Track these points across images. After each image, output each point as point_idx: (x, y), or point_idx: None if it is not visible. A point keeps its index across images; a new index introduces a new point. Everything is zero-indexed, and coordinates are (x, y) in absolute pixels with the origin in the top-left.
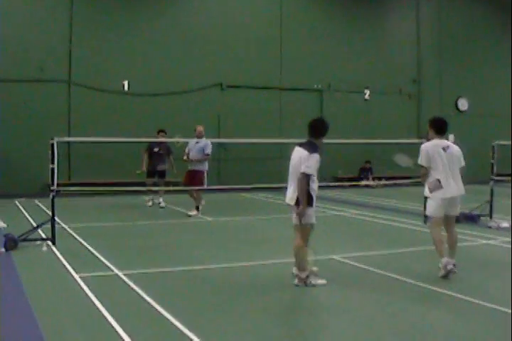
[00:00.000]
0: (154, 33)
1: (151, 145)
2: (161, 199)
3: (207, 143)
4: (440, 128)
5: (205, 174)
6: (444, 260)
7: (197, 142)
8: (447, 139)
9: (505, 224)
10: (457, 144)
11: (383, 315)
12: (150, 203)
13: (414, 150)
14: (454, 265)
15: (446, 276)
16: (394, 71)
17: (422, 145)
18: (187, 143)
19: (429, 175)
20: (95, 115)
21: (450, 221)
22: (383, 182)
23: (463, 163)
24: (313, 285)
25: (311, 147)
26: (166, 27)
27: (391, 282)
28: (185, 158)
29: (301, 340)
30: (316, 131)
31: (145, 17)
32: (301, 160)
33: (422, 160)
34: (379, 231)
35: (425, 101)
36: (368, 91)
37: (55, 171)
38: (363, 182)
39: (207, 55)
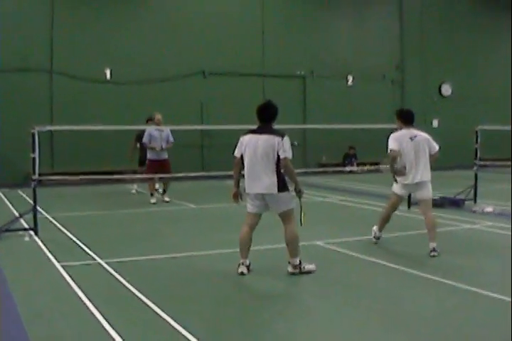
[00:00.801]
0: (136, 21)
1: (141, 134)
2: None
3: (168, 132)
4: (407, 119)
5: None
6: (375, 228)
7: (160, 130)
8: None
9: (490, 209)
10: (441, 129)
11: (367, 301)
12: (134, 191)
13: None
14: (434, 248)
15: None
16: (377, 57)
17: (391, 135)
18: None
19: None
20: (78, 104)
21: (423, 204)
22: (367, 167)
23: (436, 148)
24: (308, 271)
25: (277, 132)
26: (147, 15)
27: (375, 267)
28: (156, 146)
29: (286, 326)
30: (271, 116)
31: (127, 5)
32: (276, 146)
33: (392, 145)
34: (363, 217)
35: (408, 86)
36: (351, 78)
37: (37, 161)
38: (347, 168)
39: (189, 43)
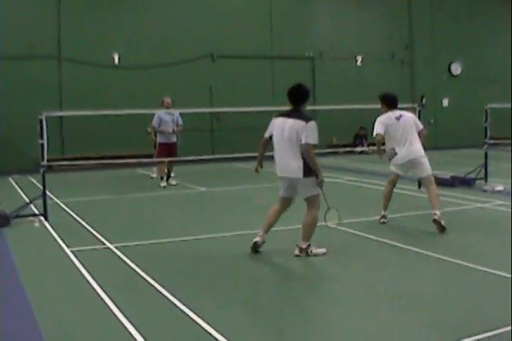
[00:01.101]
0: (143, 4)
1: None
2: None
3: (178, 115)
4: (390, 102)
5: None
6: (382, 212)
7: (169, 114)
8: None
9: (500, 188)
10: (451, 108)
11: (378, 281)
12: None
13: None
14: (435, 213)
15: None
16: (386, 37)
17: (378, 118)
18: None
19: (384, 144)
20: (86, 89)
21: (424, 182)
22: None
23: (420, 127)
24: (315, 255)
25: (303, 117)
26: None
27: (385, 248)
28: (166, 129)
29: (294, 309)
30: (301, 98)
31: None
32: (299, 131)
33: (377, 129)
34: (373, 197)
35: (418, 66)
36: (360, 58)
37: (45, 147)
38: (358, 149)
39: (197, 26)
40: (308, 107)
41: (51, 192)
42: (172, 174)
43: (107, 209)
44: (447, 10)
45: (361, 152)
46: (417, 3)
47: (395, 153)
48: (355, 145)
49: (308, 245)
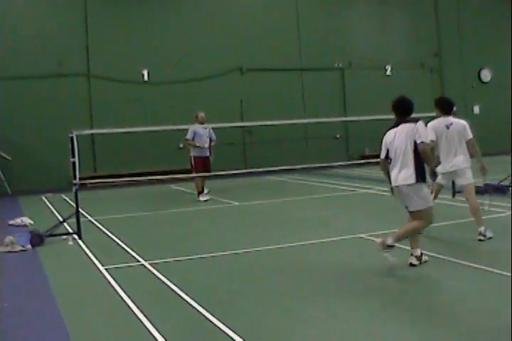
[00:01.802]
0: (170, 20)
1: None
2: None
3: (211, 130)
4: (444, 107)
5: None
6: None
7: (204, 128)
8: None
9: None
10: (482, 116)
11: (414, 294)
12: (206, 191)
13: None
14: (480, 232)
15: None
16: (414, 45)
17: (429, 124)
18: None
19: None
20: (116, 106)
21: (464, 191)
22: None
23: (469, 136)
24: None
25: (410, 120)
26: (181, 13)
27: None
28: (198, 144)
29: (330, 323)
30: (406, 110)
31: (160, 4)
32: (411, 133)
33: (431, 135)
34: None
35: (447, 74)
36: (389, 67)
37: (77, 165)
38: None
39: (225, 39)
40: (340, 118)
41: (84, 210)
42: (206, 190)
43: (140, 225)
44: (475, 16)
45: None
46: (444, 10)
47: (439, 162)
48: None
49: (421, 253)
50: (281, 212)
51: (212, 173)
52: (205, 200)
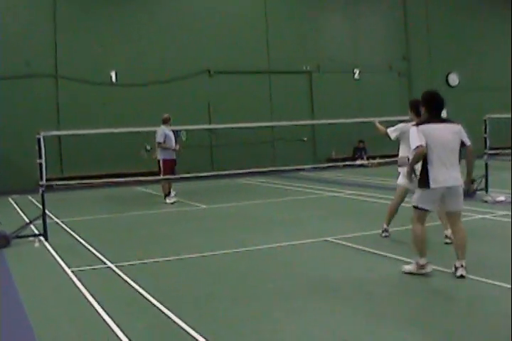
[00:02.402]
0: (139, 23)
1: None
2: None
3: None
4: (419, 110)
5: None
6: (385, 226)
7: (173, 131)
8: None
9: (501, 198)
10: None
11: (379, 296)
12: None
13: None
14: (446, 236)
15: None
16: (383, 49)
17: (399, 126)
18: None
19: (399, 151)
20: (84, 108)
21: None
22: (378, 161)
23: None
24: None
25: (450, 121)
26: (150, 16)
27: (385, 261)
28: (176, 147)
29: (297, 326)
30: (442, 106)
31: (129, 7)
32: (458, 134)
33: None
34: (374, 211)
35: (416, 77)
36: (357, 71)
37: (43, 166)
38: (358, 162)
39: (193, 42)
40: (307, 121)
41: (51, 212)
42: (173, 192)
43: (107, 228)
44: (443, 21)
45: (360, 165)
46: (413, 15)
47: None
48: (354, 159)
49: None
50: (248, 215)
51: (180, 176)
52: (172, 203)
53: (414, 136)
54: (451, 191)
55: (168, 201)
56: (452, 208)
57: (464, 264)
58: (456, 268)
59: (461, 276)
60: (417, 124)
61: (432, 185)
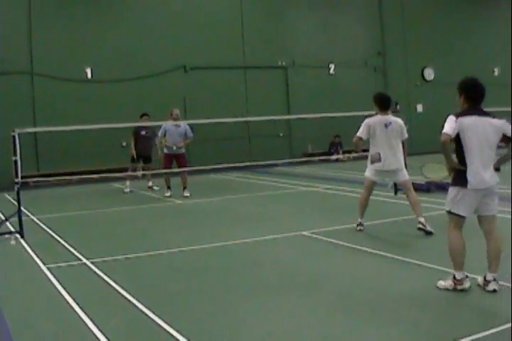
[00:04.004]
0: (114, 19)
1: (138, 129)
2: (150, 183)
3: (187, 127)
4: (383, 104)
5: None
6: (359, 220)
7: (177, 125)
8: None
9: None
10: (426, 114)
11: (354, 288)
12: (128, 189)
13: None
14: (421, 222)
15: None
16: (358, 44)
17: (366, 120)
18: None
19: (370, 148)
20: (60, 104)
21: (403, 186)
22: (353, 155)
23: (405, 136)
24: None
25: (492, 115)
26: (125, 13)
27: (361, 254)
28: (165, 143)
29: (269, 320)
30: (483, 95)
31: (105, 4)
32: (500, 128)
33: (362, 132)
34: (350, 205)
35: (391, 72)
36: (332, 66)
37: (19, 163)
38: (334, 157)
39: (169, 38)
40: (283, 116)
41: (27, 209)
42: (155, 187)
43: (83, 224)
44: (419, 16)
45: (336, 160)
46: (388, 10)
47: (380, 160)
48: (330, 154)
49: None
50: (224, 210)
51: (155, 171)
52: (169, 196)
53: (448, 124)
54: (488, 192)
55: (165, 193)
56: (490, 212)
57: (495, 277)
58: (488, 282)
59: (494, 291)
60: (456, 115)
61: (470, 185)
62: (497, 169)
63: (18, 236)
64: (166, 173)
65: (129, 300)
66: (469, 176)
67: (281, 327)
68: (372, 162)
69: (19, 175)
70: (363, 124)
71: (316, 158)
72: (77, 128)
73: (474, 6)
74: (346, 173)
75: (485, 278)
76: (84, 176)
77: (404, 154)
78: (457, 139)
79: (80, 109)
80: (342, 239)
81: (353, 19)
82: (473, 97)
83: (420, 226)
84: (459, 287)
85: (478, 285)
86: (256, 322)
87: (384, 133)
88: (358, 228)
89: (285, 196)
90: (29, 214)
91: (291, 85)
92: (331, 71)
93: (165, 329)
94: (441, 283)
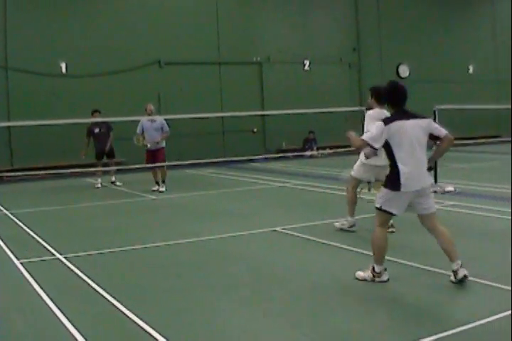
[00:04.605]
0: (89, 13)
1: (91, 128)
2: (113, 178)
3: (162, 122)
4: (381, 97)
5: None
6: (350, 219)
7: (152, 120)
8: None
9: (450, 188)
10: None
11: (327, 283)
12: (99, 185)
13: (357, 118)
14: (461, 267)
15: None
16: (333, 40)
17: (367, 114)
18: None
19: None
20: (34, 99)
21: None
22: (327, 151)
23: None
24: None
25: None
26: (100, 7)
27: (332, 250)
28: (141, 141)
29: (244, 316)
30: (406, 97)
31: None
32: (427, 128)
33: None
34: (323, 201)
35: (366, 69)
36: (307, 62)
37: None
38: (308, 153)
39: (144, 33)
40: (257, 112)
41: (0, 204)
42: (117, 183)
43: (56, 219)
44: (394, 12)
45: (311, 156)
46: (363, 7)
47: (376, 154)
48: (304, 150)
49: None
50: (197, 206)
51: (130, 167)
52: (162, 191)
53: (376, 130)
54: (422, 193)
55: (152, 188)
56: (428, 210)
57: (460, 264)
58: (456, 271)
59: (465, 276)
60: (385, 122)
61: (403, 188)
62: (429, 168)
63: None
64: (151, 169)
65: (101, 295)
66: (402, 179)
67: (254, 323)
68: (368, 157)
69: None
70: (367, 117)
71: (290, 154)
72: (51, 123)
73: (450, 2)
74: (320, 170)
75: (453, 270)
76: (57, 171)
77: None
78: (387, 144)
79: (54, 104)
80: (314, 234)
81: (328, 15)
82: (397, 101)
83: (393, 230)
84: (377, 279)
85: (452, 281)
86: (227, 317)
87: None
88: (353, 229)
89: (259, 192)
90: (2, 208)
91: (266, 81)
92: (306, 67)
93: (137, 323)
94: (360, 274)
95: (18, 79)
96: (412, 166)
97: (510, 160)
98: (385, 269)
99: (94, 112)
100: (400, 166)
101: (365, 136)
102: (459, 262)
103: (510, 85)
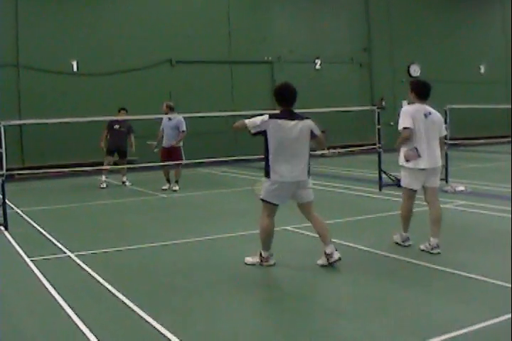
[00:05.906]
0: (101, 11)
1: (111, 123)
2: (124, 178)
3: (180, 120)
4: (422, 92)
5: (182, 150)
6: (404, 234)
7: (169, 119)
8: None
9: (461, 188)
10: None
11: (337, 282)
12: (104, 185)
13: (367, 118)
14: (437, 245)
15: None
16: (344, 40)
17: (403, 108)
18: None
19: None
20: (45, 97)
21: (430, 193)
22: (338, 150)
23: (444, 132)
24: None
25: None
26: (112, 5)
27: (345, 250)
28: (152, 146)
29: (254, 314)
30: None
31: None
32: (308, 128)
33: (404, 122)
34: (334, 200)
35: (377, 68)
36: (318, 61)
37: (4, 155)
38: (318, 152)
39: (155, 32)
40: (269, 111)
41: (11, 202)
42: (127, 181)
43: (68, 217)
44: (405, 12)
45: (321, 155)
46: (374, 6)
47: (419, 155)
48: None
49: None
50: (210, 205)
51: (142, 165)
52: (174, 190)
53: (259, 119)
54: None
55: (162, 187)
56: (305, 199)
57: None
58: (330, 255)
59: (339, 259)
60: (270, 116)
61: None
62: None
63: (2, 228)
64: (163, 167)
65: (113, 293)
66: (271, 171)
67: (259, 322)
68: (409, 160)
69: (4, 167)
70: (402, 113)
71: None
72: (63, 121)
73: (461, 2)
74: (331, 169)
75: (327, 253)
76: (68, 169)
77: (443, 152)
78: (265, 138)
79: (65, 102)
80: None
81: (339, 15)
82: (285, 100)
83: (438, 250)
84: (264, 264)
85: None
86: (238, 317)
87: (423, 123)
88: (407, 243)
89: None
90: (14, 206)
91: (277, 80)
92: (317, 66)
93: (149, 323)
94: (249, 260)
95: (29, 78)
96: (282, 161)
97: None
98: (272, 254)
99: (121, 110)
100: (271, 160)
101: (247, 120)
102: (332, 245)
103: (511, 85)
